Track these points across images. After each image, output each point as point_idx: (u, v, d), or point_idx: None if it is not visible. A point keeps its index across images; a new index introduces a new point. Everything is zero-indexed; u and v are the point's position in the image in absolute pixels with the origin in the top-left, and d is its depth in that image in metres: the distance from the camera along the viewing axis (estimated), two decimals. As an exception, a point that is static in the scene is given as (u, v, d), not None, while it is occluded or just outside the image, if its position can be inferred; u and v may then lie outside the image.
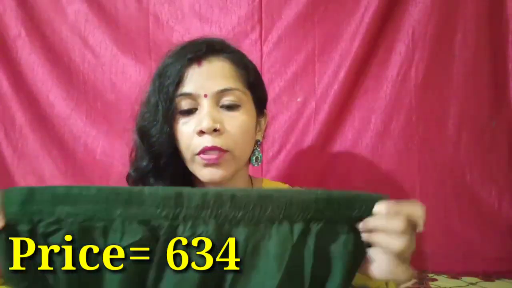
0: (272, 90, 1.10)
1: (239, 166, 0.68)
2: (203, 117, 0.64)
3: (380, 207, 0.48)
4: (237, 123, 0.66)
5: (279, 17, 1.10)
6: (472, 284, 0.95)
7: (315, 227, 0.46)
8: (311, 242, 0.46)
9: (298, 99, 1.10)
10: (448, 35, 1.06)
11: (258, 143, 0.74)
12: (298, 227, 0.46)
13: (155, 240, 0.44)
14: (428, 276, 1.00)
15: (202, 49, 0.67)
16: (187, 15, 1.13)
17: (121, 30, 1.15)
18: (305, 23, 1.09)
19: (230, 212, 0.45)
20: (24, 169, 1.17)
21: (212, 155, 0.64)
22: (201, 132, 0.64)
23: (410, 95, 1.06)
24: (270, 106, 1.10)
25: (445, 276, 1.00)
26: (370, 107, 1.08)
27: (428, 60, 1.06)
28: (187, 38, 1.08)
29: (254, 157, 0.73)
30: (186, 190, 0.45)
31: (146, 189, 0.44)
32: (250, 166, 0.75)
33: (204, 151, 0.64)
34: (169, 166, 0.68)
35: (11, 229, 0.43)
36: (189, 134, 0.66)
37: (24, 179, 1.17)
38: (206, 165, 0.65)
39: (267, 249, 0.45)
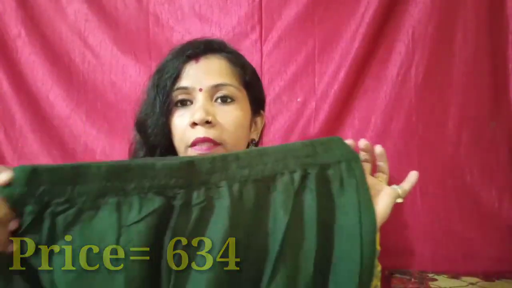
0: (272, 90, 1.10)
1: None
2: (197, 109, 0.66)
3: (377, 147, 0.60)
4: (230, 117, 0.68)
5: (279, 17, 1.10)
6: (472, 284, 0.95)
7: (312, 172, 0.51)
8: (311, 185, 0.51)
9: (298, 99, 1.10)
10: (448, 35, 1.06)
11: (254, 142, 0.76)
12: (297, 175, 0.50)
13: (171, 209, 0.46)
14: (428, 276, 1.00)
15: (201, 47, 0.70)
16: (187, 15, 1.14)
17: (121, 30, 1.15)
18: (305, 23, 1.09)
19: (237, 172, 0.49)
20: (24, 169, 1.17)
21: (204, 147, 0.65)
22: (194, 124, 0.66)
23: (410, 95, 1.06)
24: (270, 106, 1.10)
25: (445, 276, 1.00)
26: (370, 107, 1.08)
27: (428, 60, 1.06)
28: (187, 38, 1.08)
29: None
30: (196, 158, 0.48)
31: (158, 162, 0.46)
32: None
33: (196, 142, 0.65)
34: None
35: (17, 211, 0.41)
36: (183, 127, 0.67)
37: (24, 179, 1.17)
38: None
39: (274, 199, 0.50)
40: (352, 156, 0.54)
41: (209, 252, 0.46)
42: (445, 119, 1.07)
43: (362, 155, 0.60)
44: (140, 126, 0.72)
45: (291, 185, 0.50)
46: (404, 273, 1.00)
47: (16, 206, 0.42)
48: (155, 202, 0.45)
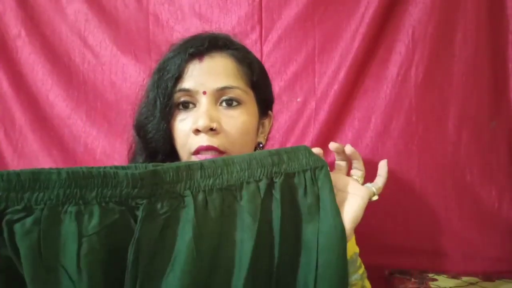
0: (273, 90, 1.10)
1: None
2: (200, 115, 0.62)
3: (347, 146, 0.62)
4: (236, 123, 0.63)
5: (279, 17, 1.10)
6: (472, 284, 0.95)
7: (278, 180, 0.51)
8: (276, 193, 0.51)
9: (298, 99, 1.10)
10: (448, 35, 1.06)
11: (260, 145, 0.72)
12: (263, 184, 0.50)
13: (134, 219, 0.45)
14: (428, 276, 1.00)
15: (205, 44, 0.65)
16: (187, 15, 1.13)
17: (121, 30, 1.15)
18: (305, 23, 1.09)
19: (202, 181, 0.48)
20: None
21: (208, 156, 0.62)
22: (197, 131, 0.62)
23: (410, 95, 1.06)
24: (270, 106, 1.10)
25: (445, 276, 1.00)
26: (370, 107, 1.08)
27: (428, 60, 1.05)
28: (187, 38, 1.09)
29: None
30: (160, 167, 0.47)
31: (120, 171, 0.45)
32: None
33: (199, 150, 0.62)
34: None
35: None
36: (186, 132, 0.63)
37: (24, 179, 1.16)
38: None
39: (241, 207, 0.49)
40: (317, 164, 0.54)
41: (175, 263, 0.45)
42: (445, 119, 1.07)
43: (337, 157, 0.60)
44: (140, 129, 0.68)
45: (258, 194, 0.50)
46: (404, 273, 1.00)
47: None
48: (116, 212, 0.44)
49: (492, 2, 1.05)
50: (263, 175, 0.50)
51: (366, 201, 0.57)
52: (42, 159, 1.16)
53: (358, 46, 1.04)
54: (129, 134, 0.73)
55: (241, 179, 0.50)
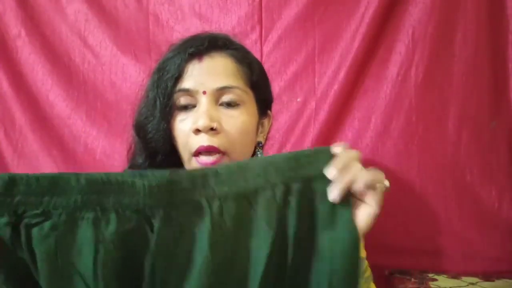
0: (272, 90, 1.10)
1: None
2: (200, 115, 0.62)
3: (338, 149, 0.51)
4: (236, 122, 0.63)
5: (279, 17, 1.10)
6: (472, 284, 0.95)
7: (295, 186, 0.48)
8: (293, 201, 0.48)
9: (298, 99, 1.10)
10: (448, 35, 1.06)
11: (260, 145, 0.71)
12: (279, 190, 0.48)
13: (150, 228, 0.44)
14: (428, 276, 1.00)
15: (204, 44, 0.65)
16: (187, 15, 1.14)
17: (121, 30, 1.15)
18: (305, 23, 1.09)
19: (217, 188, 0.47)
20: (24, 169, 1.17)
21: (208, 160, 0.62)
22: (198, 131, 0.62)
23: (410, 95, 1.06)
24: (270, 106, 1.10)
25: (445, 276, 1.00)
26: (370, 107, 1.08)
27: (428, 60, 1.05)
28: (187, 38, 1.09)
29: None
30: (176, 175, 0.46)
31: (138, 179, 0.44)
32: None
33: (200, 151, 0.62)
34: (165, 164, 0.66)
35: None
36: (186, 132, 0.63)
37: (24, 179, 1.16)
38: None
39: (257, 215, 0.47)
40: None
41: (192, 271, 0.45)
42: (445, 119, 1.07)
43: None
44: (140, 130, 0.68)
45: (274, 201, 0.48)
46: (404, 273, 1.00)
47: None
48: (133, 220, 0.43)
49: (492, 2, 1.05)
50: (279, 181, 0.48)
51: (378, 210, 0.54)
52: (42, 159, 1.16)
53: (358, 46, 1.04)
54: (129, 134, 0.73)
55: (256, 186, 0.48)
